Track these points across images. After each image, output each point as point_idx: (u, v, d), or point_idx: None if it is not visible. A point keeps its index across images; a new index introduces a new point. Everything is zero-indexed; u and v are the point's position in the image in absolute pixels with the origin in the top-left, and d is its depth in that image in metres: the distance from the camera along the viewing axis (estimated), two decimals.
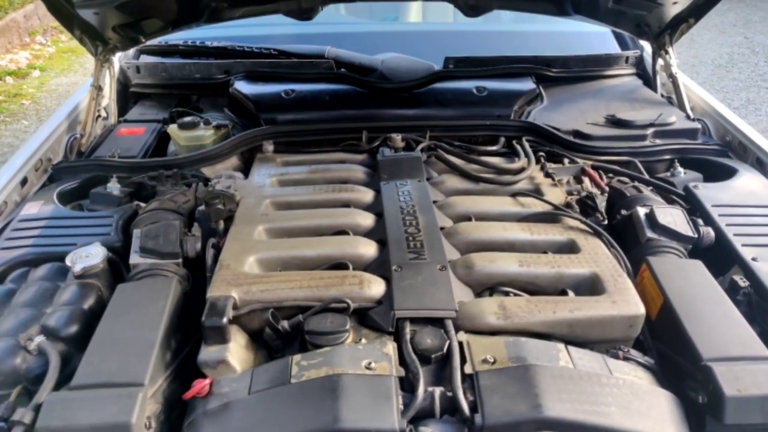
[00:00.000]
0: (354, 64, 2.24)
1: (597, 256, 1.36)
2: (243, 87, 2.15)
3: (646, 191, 1.66)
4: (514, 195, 1.65)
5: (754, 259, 1.39)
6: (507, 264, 1.33)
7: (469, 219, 1.56)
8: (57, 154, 1.94)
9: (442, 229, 1.47)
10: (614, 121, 2.04)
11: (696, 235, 1.45)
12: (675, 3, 2.01)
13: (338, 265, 1.37)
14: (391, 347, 1.11)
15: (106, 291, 1.35)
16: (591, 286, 1.30)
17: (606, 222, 1.55)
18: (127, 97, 2.40)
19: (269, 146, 1.92)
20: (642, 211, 1.52)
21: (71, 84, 6.31)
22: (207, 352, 1.15)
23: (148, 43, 2.34)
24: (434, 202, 1.59)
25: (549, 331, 1.19)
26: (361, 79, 2.13)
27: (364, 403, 0.98)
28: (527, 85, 2.23)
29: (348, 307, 1.21)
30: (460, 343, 1.13)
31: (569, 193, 1.68)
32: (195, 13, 1.97)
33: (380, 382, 1.03)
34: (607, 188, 1.66)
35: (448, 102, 2.12)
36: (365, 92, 2.13)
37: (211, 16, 2.00)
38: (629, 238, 1.53)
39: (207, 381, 1.10)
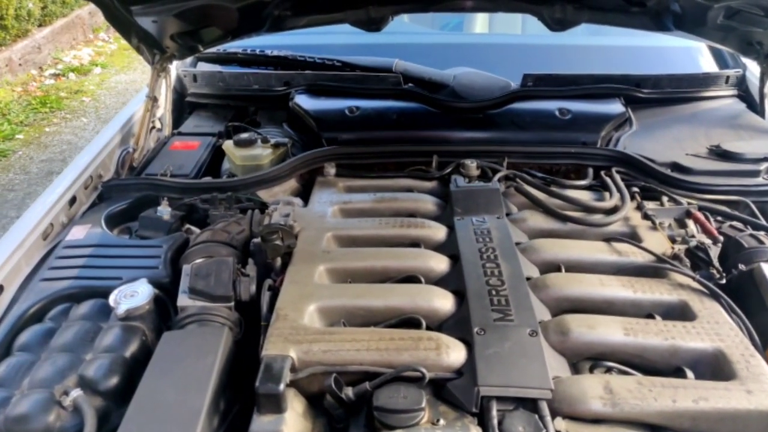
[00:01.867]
0: (424, 79, 2.06)
1: (718, 326, 1.14)
2: (304, 101, 2.00)
3: None
4: (608, 240, 1.44)
5: None
6: (610, 331, 1.12)
7: (558, 268, 1.35)
8: (108, 170, 1.84)
9: (528, 279, 1.27)
10: (720, 153, 1.78)
11: None
12: None
13: (409, 320, 1.19)
14: None
15: (151, 335, 1.22)
16: (714, 366, 1.08)
17: (723, 281, 1.31)
18: (182, 107, 2.30)
19: (331, 169, 1.76)
20: (767, 268, 1.28)
21: (130, 81, 6.39)
22: (260, 423, 1.00)
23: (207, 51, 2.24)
24: (517, 244, 1.40)
25: (667, 423, 0.99)
26: (432, 97, 1.95)
27: None
28: (616, 107, 2.00)
29: (423, 377, 1.03)
30: None
31: (672, 239, 1.45)
32: (257, 22, 1.84)
33: None
34: (720, 237, 1.42)
35: (527, 125, 1.91)
36: (436, 111, 1.95)
37: (273, 24, 1.87)
38: (750, 301, 1.29)
39: None
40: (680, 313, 1.20)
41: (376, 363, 1.07)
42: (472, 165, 1.71)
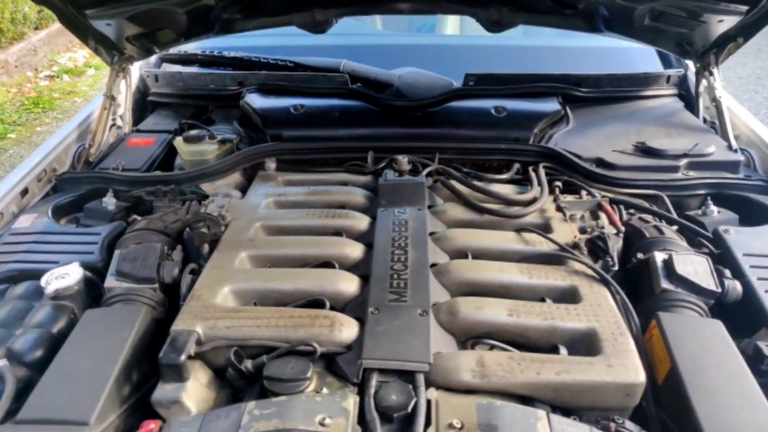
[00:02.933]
0: (369, 79, 2.15)
1: (599, 309, 1.22)
2: (253, 100, 2.10)
3: (670, 232, 1.50)
4: (519, 230, 1.52)
5: None
6: (495, 312, 1.21)
7: (465, 255, 1.44)
8: (64, 164, 1.95)
9: (434, 266, 1.36)
10: (644, 149, 1.86)
11: (719, 290, 1.29)
12: (721, 21, 1.82)
13: (316, 301, 1.29)
14: (351, 401, 1.02)
15: (80, 313, 1.31)
16: (588, 344, 1.16)
17: (616, 267, 1.40)
18: (145, 106, 2.40)
19: (271, 164, 1.87)
20: (660, 257, 1.37)
21: None
22: (162, 391, 1.09)
23: (170, 51, 2.34)
24: (432, 233, 1.49)
25: (531, 394, 1.07)
26: (373, 96, 2.05)
27: None
28: (551, 105, 2.08)
29: (314, 351, 1.13)
30: (429, 402, 1.02)
31: (582, 230, 1.53)
32: (206, 25, 1.94)
33: None
34: (623, 228, 1.51)
35: (462, 122, 2.00)
36: (377, 110, 2.04)
37: (222, 27, 1.97)
38: (644, 287, 1.38)
39: (154, 425, 1.04)
40: (570, 297, 1.29)
41: (274, 338, 1.16)
42: (403, 160, 1.80)
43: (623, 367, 1.07)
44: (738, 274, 1.35)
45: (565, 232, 1.50)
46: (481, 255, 1.45)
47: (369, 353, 1.10)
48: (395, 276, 1.30)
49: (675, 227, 1.55)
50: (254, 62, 2.25)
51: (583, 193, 1.69)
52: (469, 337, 1.23)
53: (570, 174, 1.79)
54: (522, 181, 1.80)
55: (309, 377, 1.07)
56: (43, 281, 1.31)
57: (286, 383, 1.07)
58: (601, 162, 1.83)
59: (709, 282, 1.30)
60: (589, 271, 1.34)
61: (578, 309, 1.22)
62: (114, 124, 2.18)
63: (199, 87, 2.28)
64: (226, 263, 1.38)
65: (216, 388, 1.17)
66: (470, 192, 1.67)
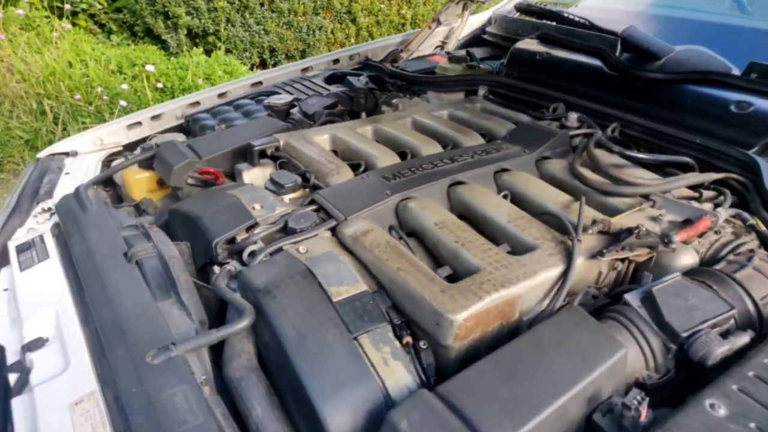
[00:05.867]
0: (642, 48, 1.92)
1: (518, 266, 1.05)
2: (523, 43, 2.21)
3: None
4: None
5: None
6: (428, 218, 1.23)
7: (506, 196, 1.38)
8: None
9: (459, 183, 1.38)
10: None
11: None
12: None
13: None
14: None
15: None
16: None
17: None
18: (476, 43, 2.80)
19: (481, 91, 2.03)
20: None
21: None
22: None
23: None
24: (505, 170, 1.45)
25: (375, 272, 1.11)
26: (610, 59, 1.85)
27: None
28: None
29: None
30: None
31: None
32: None
33: None
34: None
35: (684, 107, 1.61)
36: (609, 73, 1.84)
37: None
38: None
39: None
40: (523, 252, 1.13)
41: None
42: (573, 117, 1.67)
43: (453, 300, 0.97)
44: None
45: (629, 221, 1.20)
46: (518, 200, 1.35)
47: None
48: (417, 169, 1.41)
49: None
50: (573, 21, 2.28)
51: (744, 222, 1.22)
52: (408, 229, 1.27)
53: (752, 198, 1.29)
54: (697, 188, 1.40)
55: None
56: None
57: None
58: None
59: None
60: (568, 243, 1.11)
61: (504, 259, 1.08)
62: (440, 46, 2.69)
63: (514, 34, 2.51)
64: None
65: None
66: (593, 162, 1.46)
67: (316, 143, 1.63)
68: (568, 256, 1.07)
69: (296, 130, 1.70)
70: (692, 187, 1.38)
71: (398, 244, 1.13)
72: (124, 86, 4.73)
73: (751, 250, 1.11)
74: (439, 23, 2.62)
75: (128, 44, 5.71)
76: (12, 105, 4.45)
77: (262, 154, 1.59)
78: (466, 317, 0.94)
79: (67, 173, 1.69)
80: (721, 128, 1.53)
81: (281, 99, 1.99)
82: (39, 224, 1.39)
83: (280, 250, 1.14)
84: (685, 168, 1.45)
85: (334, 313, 0.98)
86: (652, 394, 0.84)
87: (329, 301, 1.00)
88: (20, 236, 1.33)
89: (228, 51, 5.92)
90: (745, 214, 1.22)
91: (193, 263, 1.29)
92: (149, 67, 4.96)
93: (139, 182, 1.71)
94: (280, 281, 1.03)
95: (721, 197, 1.29)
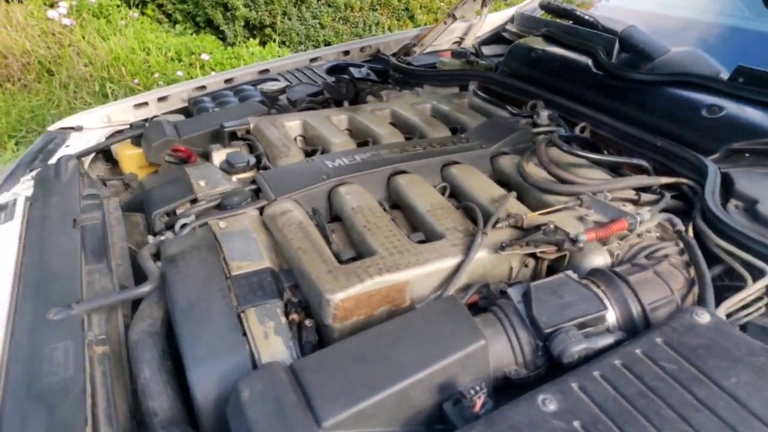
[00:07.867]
0: (638, 48, 1.85)
1: (415, 252, 1.07)
2: (528, 40, 2.17)
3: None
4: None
5: None
6: (347, 202, 1.27)
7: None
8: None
9: (401, 173, 1.40)
10: None
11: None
12: None
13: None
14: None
15: None
16: None
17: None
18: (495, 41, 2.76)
19: (471, 87, 2.01)
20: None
21: None
22: None
23: None
24: (455, 163, 1.46)
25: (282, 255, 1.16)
26: (599, 58, 1.78)
27: None
28: None
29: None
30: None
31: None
32: None
33: None
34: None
35: (657, 109, 1.54)
36: (595, 72, 1.78)
37: None
38: None
39: None
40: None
41: None
42: (544, 114, 1.64)
43: (335, 281, 1.00)
44: None
45: (567, 222, 1.17)
46: (455, 193, 1.36)
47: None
48: (364, 157, 1.44)
49: None
50: (584, 20, 2.21)
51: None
52: (334, 213, 1.31)
53: (697, 204, 1.22)
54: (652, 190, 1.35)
55: None
56: None
57: None
58: None
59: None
60: (477, 240, 1.11)
61: (402, 246, 1.10)
62: (458, 42, 2.68)
63: (529, 31, 2.45)
64: None
65: None
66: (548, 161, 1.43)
67: (286, 128, 1.69)
68: (470, 248, 1.07)
69: (271, 115, 1.77)
70: (643, 189, 1.34)
71: (309, 226, 1.17)
72: (179, 73, 5.01)
73: (665, 255, 1.07)
74: (454, 18, 2.61)
75: (191, 34, 6.03)
76: (77, 86, 4.83)
77: (233, 135, 1.67)
78: (343, 298, 0.97)
79: (68, 146, 1.85)
80: (688, 132, 1.46)
81: (274, 85, 2.07)
82: (23, 190, 1.54)
83: (205, 224, 1.22)
84: (639, 170, 1.40)
85: (226, 286, 1.04)
86: (521, 389, 0.84)
87: (226, 274, 1.06)
88: (2, 199, 1.48)
89: (283, 43, 6.11)
90: (676, 220, 1.16)
91: (147, 233, 1.39)
92: (204, 56, 5.22)
93: (129, 158, 1.84)
94: (187, 252, 1.10)
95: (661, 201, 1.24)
